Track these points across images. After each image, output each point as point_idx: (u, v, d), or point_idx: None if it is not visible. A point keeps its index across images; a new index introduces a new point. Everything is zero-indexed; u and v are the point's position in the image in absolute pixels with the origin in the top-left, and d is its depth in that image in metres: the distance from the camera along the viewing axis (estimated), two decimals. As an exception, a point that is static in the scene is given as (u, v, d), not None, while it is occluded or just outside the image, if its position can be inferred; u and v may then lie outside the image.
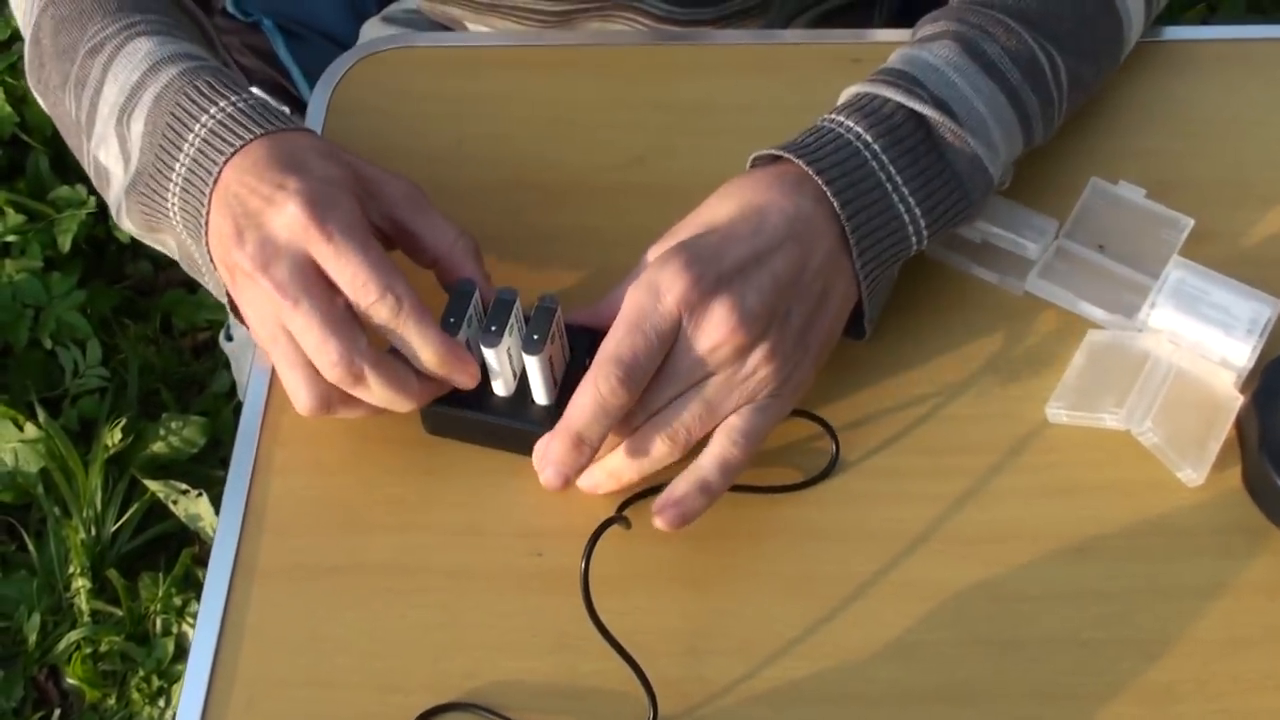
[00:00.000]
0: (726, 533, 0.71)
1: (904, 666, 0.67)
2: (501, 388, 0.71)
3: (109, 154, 0.76)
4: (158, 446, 1.58)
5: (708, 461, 0.68)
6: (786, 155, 0.72)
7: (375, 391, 0.67)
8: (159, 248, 0.77)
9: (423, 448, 0.73)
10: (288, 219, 0.66)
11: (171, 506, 1.55)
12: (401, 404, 0.68)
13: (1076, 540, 0.70)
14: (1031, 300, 0.78)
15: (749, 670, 0.67)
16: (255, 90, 0.73)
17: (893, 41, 0.83)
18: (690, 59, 0.90)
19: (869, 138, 0.72)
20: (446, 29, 1.01)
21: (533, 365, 0.69)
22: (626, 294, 0.67)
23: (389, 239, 0.72)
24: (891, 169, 0.72)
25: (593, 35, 0.93)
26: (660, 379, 0.68)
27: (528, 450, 0.70)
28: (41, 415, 1.57)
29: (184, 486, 1.55)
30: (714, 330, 0.67)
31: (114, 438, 1.55)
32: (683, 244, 0.68)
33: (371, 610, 0.69)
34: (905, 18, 0.93)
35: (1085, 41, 0.80)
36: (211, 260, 0.71)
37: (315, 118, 0.88)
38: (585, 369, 0.69)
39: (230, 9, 1.12)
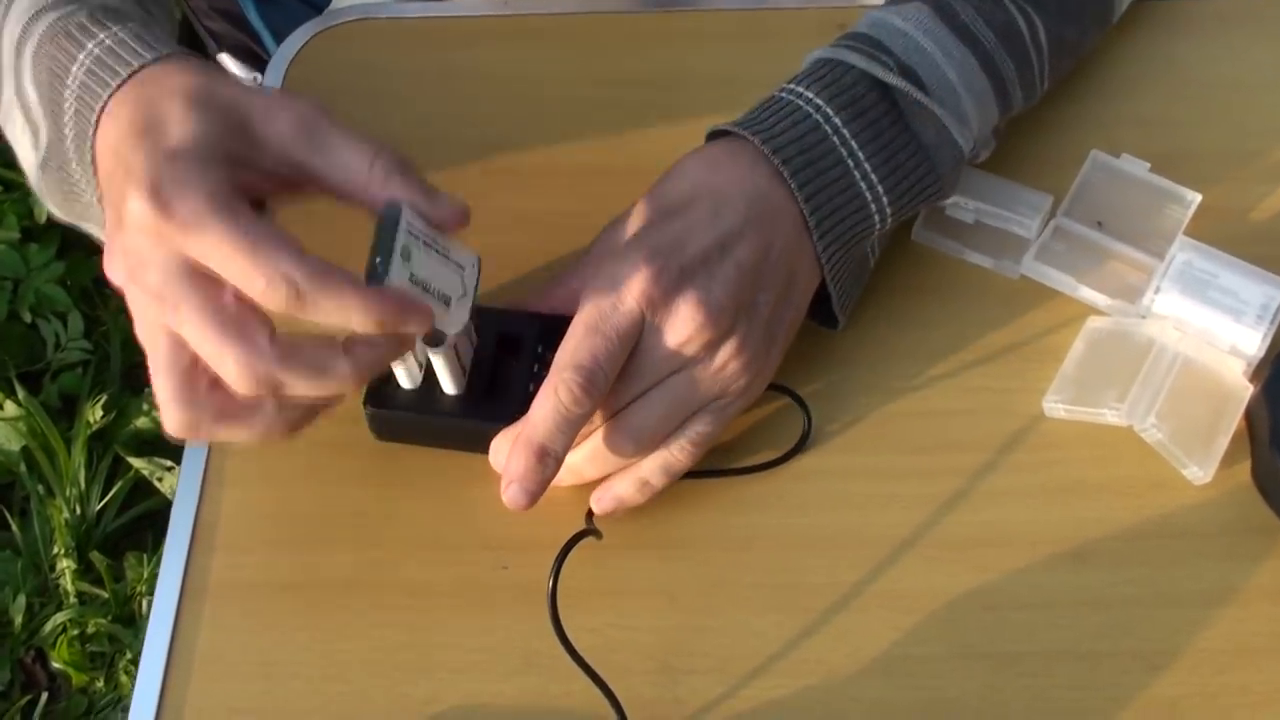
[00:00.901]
0: (703, 541, 0.67)
1: (892, 683, 0.63)
2: (406, 380, 0.66)
3: (14, 129, 0.67)
4: (141, 422, 1.55)
5: (652, 464, 0.65)
6: (740, 132, 0.67)
7: (300, 389, 0.57)
8: (94, 234, 0.69)
9: (381, 456, 0.69)
10: (136, 216, 0.55)
11: (156, 484, 1.52)
12: (336, 391, 0.58)
13: (1075, 544, 0.66)
14: (1028, 284, 0.74)
15: (727, 689, 0.63)
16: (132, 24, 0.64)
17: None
18: (667, 27, 0.86)
19: (829, 110, 0.67)
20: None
21: (438, 359, 0.64)
22: (584, 293, 0.63)
23: (291, 187, 0.62)
24: (853, 143, 0.67)
25: (564, 3, 0.88)
26: (625, 377, 0.63)
27: (477, 447, 0.66)
28: (21, 393, 1.53)
29: (169, 463, 1.52)
30: (680, 327, 0.63)
31: (95, 414, 1.52)
32: (641, 236, 0.64)
33: (329, 631, 0.65)
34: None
35: (1068, 0, 0.75)
36: None
37: (271, 97, 0.83)
38: (540, 358, 0.65)
39: (194, -30, 1.08)
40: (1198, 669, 0.63)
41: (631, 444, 0.64)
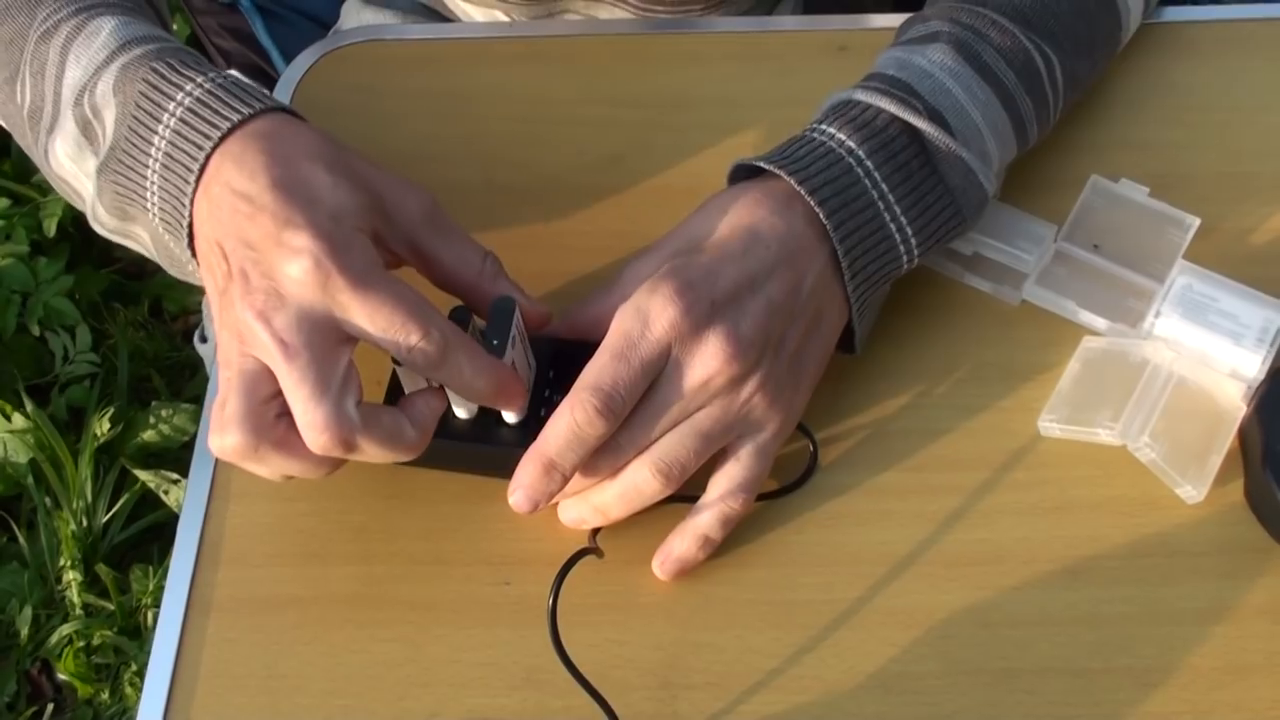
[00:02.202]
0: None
1: (889, 699, 0.64)
2: (462, 410, 0.67)
3: (66, 140, 0.69)
4: (148, 435, 1.56)
5: (709, 518, 0.66)
6: (774, 169, 0.68)
7: (368, 453, 0.61)
8: (131, 245, 0.71)
9: (385, 472, 0.69)
10: (300, 272, 0.59)
11: (163, 497, 1.53)
12: (397, 458, 0.63)
13: (1070, 562, 0.67)
14: (1027, 306, 0.75)
15: (725, 705, 0.64)
16: (231, 71, 0.67)
17: (885, 28, 0.79)
18: (671, 49, 0.86)
19: (861, 153, 0.68)
20: (430, 10, 0.97)
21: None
22: (614, 319, 0.64)
23: (403, 262, 0.67)
24: (884, 186, 0.68)
25: (568, 25, 0.89)
26: (650, 411, 0.64)
27: (499, 471, 0.66)
28: (29, 405, 1.54)
29: (175, 476, 1.53)
30: (707, 361, 0.63)
31: (103, 427, 1.53)
32: (673, 269, 0.64)
33: (332, 645, 0.66)
34: (902, 5, 0.89)
35: (1082, 36, 0.76)
36: (194, 255, 0.66)
37: (279, 117, 0.84)
38: (552, 383, 0.66)
39: (206, -12, 1.09)
40: (1191, 686, 0.64)
41: (660, 478, 0.64)
